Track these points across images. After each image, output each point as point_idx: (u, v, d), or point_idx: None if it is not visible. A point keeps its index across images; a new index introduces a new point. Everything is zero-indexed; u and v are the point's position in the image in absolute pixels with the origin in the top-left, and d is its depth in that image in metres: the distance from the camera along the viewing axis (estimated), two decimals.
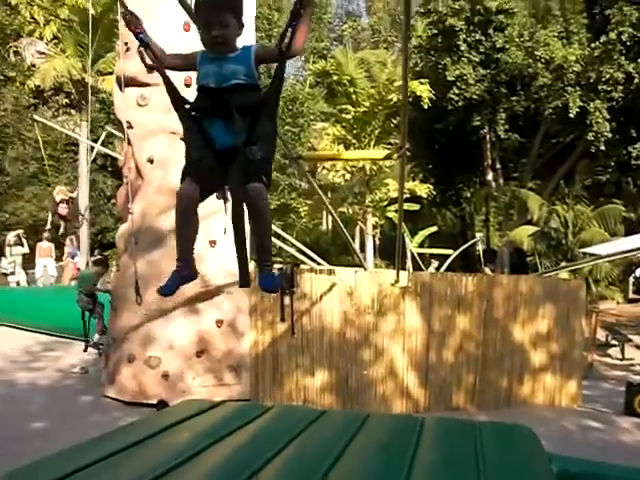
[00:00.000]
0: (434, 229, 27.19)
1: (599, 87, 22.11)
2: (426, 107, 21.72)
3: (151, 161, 9.11)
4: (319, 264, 12.00)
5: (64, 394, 9.53)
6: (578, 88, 22.42)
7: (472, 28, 23.54)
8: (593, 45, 22.22)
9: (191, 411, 2.96)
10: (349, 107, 22.95)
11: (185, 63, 2.93)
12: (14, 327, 13.89)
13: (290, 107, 24.36)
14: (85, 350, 11.54)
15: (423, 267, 20.97)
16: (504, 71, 23.27)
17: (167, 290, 2.91)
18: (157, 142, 9.08)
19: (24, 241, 19.54)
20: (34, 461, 2.24)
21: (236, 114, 2.62)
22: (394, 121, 23.13)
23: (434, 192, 25.77)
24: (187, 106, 2.78)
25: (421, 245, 25.87)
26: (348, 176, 23.99)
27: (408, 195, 23.14)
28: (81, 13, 20.57)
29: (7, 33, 26.18)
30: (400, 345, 9.51)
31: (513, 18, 23.14)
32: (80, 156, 23.18)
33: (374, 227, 26.09)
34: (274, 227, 8.61)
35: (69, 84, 24.20)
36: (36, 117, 21.43)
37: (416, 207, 25.14)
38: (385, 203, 25.24)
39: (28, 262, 19.80)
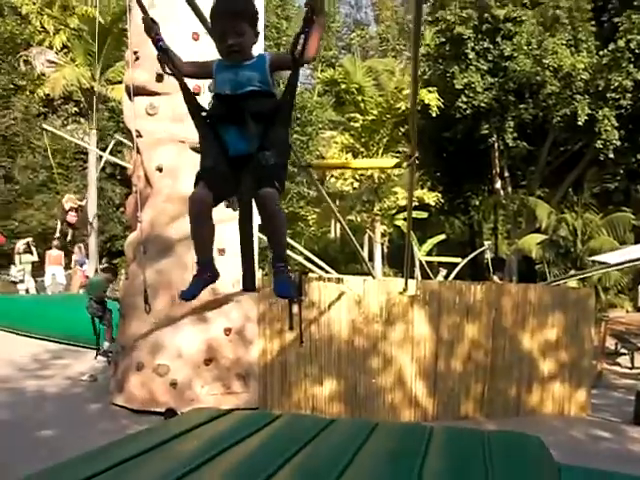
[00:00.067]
0: (442, 237, 27.15)
1: (608, 95, 22.05)
2: (434, 115, 21.73)
3: (160, 170, 9.13)
4: (327, 272, 12.00)
5: (73, 402, 9.54)
6: (587, 96, 22.37)
7: (480, 36, 23.52)
8: (601, 53, 22.17)
9: (200, 419, 2.97)
10: (357, 115, 22.98)
11: (202, 71, 2.95)
12: (23, 335, 13.93)
13: (299, 115, 24.39)
14: (96, 357, 11.55)
15: (431, 275, 20.94)
16: (512, 79, 23.23)
17: (189, 294, 2.91)
18: (166, 151, 9.11)
19: (33, 249, 19.61)
20: (42, 469, 2.25)
21: (250, 121, 2.64)
22: (402, 129, 23.13)
23: (442, 200, 25.75)
24: (204, 113, 2.80)
25: (429, 253, 25.82)
26: (357, 184, 24.00)
27: (416, 203, 23.13)
28: (91, 22, 20.68)
29: (17, 42, 26.40)
30: (408, 354, 9.49)
31: (521, 26, 23.10)
32: (89, 164, 23.28)
33: (382, 235, 26.08)
34: None
35: (78, 93, 24.34)
36: (45, 126, 21.57)
37: (424, 215, 25.12)
38: (394, 211, 25.24)
39: (37, 270, 19.87)
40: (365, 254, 24.31)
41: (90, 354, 11.95)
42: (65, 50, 24.35)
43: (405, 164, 5.50)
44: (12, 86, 26.75)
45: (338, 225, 30.24)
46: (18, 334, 14.03)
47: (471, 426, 7.17)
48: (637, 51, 21.48)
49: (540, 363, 9.78)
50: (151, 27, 2.74)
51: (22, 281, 19.07)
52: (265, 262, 17.40)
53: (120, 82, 19.01)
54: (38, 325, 13.87)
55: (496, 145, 25.70)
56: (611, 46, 21.77)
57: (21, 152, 26.95)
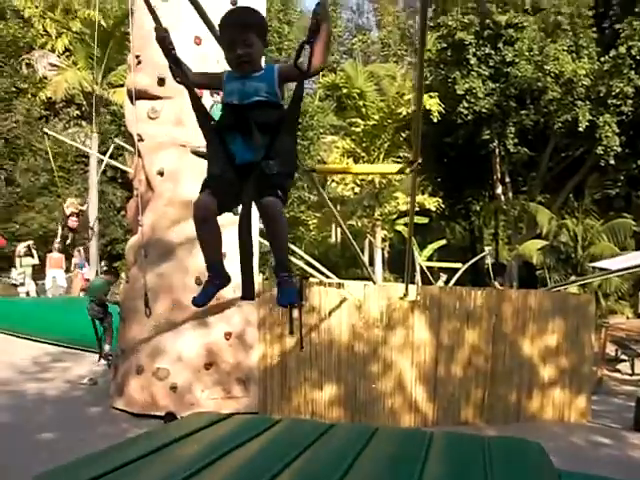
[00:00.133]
0: (443, 242, 27.18)
1: (609, 101, 22.08)
2: (435, 121, 21.73)
3: (161, 174, 9.14)
4: (328, 277, 12.00)
5: (73, 405, 9.53)
6: (588, 102, 22.40)
7: (482, 42, 23.56)
8: (603, 59, 22.20)
9: (200, 424, 2.97)
10: (359, 120, 22.99)
11: (212, 82, 3.01)
12: (23, 337, 13.92)
13: (300, 120, 24.40)
14: (99, 361, 11.52)
15: (432, 280, 20.93)
16: (513, 85, 23.26)
17: (200, 300, 2.90)
18: (167, 155, 9.12)
19: (34, 252, 19.59)
20: (42, 472, 2.25)
21: (256, 130, 2.66)
22: (403, 135, 23.15)
23: (443, 205, 25.74)
24: (212, 123, 2.83)
25: (430, 258, 25.83)
26: (357, 189, 24.01)
27: (417, 208, 23.10)
28: (93, 26, 20.70)
29: (20, 46, 26.46)
30: (409, 359, 9.49)
31: (523, 32, 23.13)
32: (90, 168, 23.32)
33: (383, 240, 26.09)
34: None
35: (80, 96, 24.40)
36: (47, 130, 21.60)
37: (425, 220, 25.14)
38: (394, 216, 25.23)
39: (38, 273, 19.86)
40: (366, 259, 24.32)
41: (90, 357, 11.95)
42: (67, 53, 24.43)
43: (408, 170, 5.49)
44: (14, 89, 26.78)
45: (339, 230, 30.22)
46: (18, 337, 14.02)
47: (471, 432, 7.16)
48: (638, 57, 21.52)
49: (540, 369, 9.77)
50: (164, 37, 2.75)
51: (23, 284, 19.05)
52: (266, 266, 17.41)
53: (122, 85, 19.04)
54: (38, 328, 13.86)
55: (497, 151, 25.71)
56: (612, 52, 21.81)
57: (22, 155, 26.96)
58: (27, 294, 18.91)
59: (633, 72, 21.70)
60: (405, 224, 25.08)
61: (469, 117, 23.50)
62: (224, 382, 9.12)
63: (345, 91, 23.08)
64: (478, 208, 31.42)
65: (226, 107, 2.80)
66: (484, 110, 23.27)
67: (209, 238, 2.84)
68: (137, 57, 8.98)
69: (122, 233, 25.84)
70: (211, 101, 8.20)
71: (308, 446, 2.62)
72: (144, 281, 8.19)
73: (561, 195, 26.29)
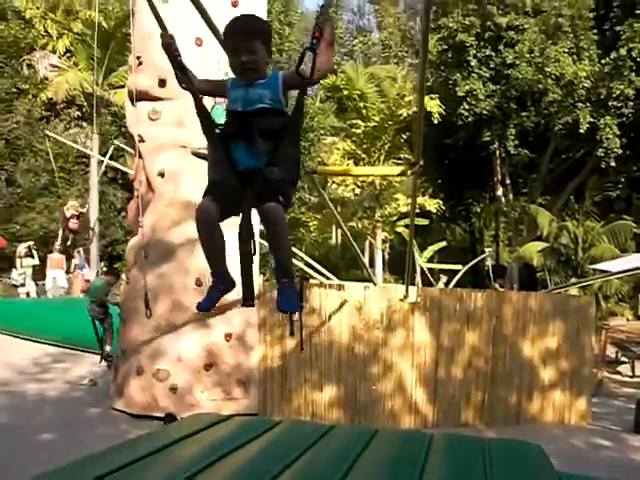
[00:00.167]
0: (443, 244, 27.18)
1: (609, 103, 22.09)
2: (436, 122, 21.72)
3: (162, 175, 9.14)
4: (328, 278, 11.99)
5: (72, 406, 9.53)
6: (588, 104, 22.41)
7: (482, 44, 23.57)
8: (603, 61, 22.21)
9: (200, 425, 2.97)
10: (359, 122, 22.99)
11: (216, 89, 3.02)
12: (23, 338, 13.93)
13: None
14: (100, 362, 11.51)
15: (433, 282, 20.92)
16: (514, 87, 23.26)
17: (205, 306, 2.90)
18: (168, 156, 9.12)
19: (34, 253, 19.61)
20: (41, 473, 2.25)
21: (259, 137, 2.67)
22: (404, 136, 23.15)
23: (443, 207, 25.74)
24: (217, 130, 2.83)
25: (430, 260, 25.83)
26: (358, 191, 24.01)
27: (418, 210, 23.05)
28: (94, 27, 20.69)
29: (21, 46, 26.47)
30: (409, 360, 9.48)
31: (523, 34, 23.13)
32: (91, 169, 23.33)
33: (383, 242, 26.09)
34: None
35: (81, 97, 24.42)
36: (48, 132, 21.63)
37: (425, 222, 25.12)
38: (395, 218, 25.23)
39: (38, 274, 19.88)
40: (366, 260, 24.32)
41: (90, 358, 11.95)
42: (68, 54, 24.44)
43: (410, 172, 5.49)
44: (15, 90, 26.79)
45: (339, 231, 30.23)
46: (18, 337, 14.03)
47: (471, 434, 7.16)
48: (639, 59, 21.52)
49: (540, 371, 9.76)
50: (170, 43, 2.76)
51: (23, 285, 19.07)
52: (266, 267, 17.41)
53: (123, 86, 19.06)
54: (38, 329, 13.87)
55: (498, 152, 25.72)
56: (613, 54, 21.82)
57: (23, 156, 26.97)
58: (27, 295, 18.93)
59: (634, 74, 21.71)
60: (405, 225, 25.11)
61: (470, 119, 23.50)
62: (224, 383, 9.12)
63: (346, 92, 23.07)
64: (478, 210, 31.43)
65: (230, 114, 2.81)
66: (485, 112, 23.27)
67: (212, 243, 2.83)
68: (138, 58, 8.99)
69: (122, 234, 25.85)
70: (212, 102, 8.20)
71: (308, 448, 2.62)
72: (144, 282, 8.20)
73: (562, 197, 26.29)
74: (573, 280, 18.77)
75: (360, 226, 25.72)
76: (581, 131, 22.06)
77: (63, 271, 19.57)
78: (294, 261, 12.15)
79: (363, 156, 23.18)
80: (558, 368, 9.79)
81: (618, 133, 22.14)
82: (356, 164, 22.70)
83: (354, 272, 25.16)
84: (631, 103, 22.02)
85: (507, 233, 31.31)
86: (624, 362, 14.77)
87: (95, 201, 22.51)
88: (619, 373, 14.35)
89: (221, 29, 2.92)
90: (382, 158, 22.84)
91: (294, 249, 12.85)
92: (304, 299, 8.72)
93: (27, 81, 26.69)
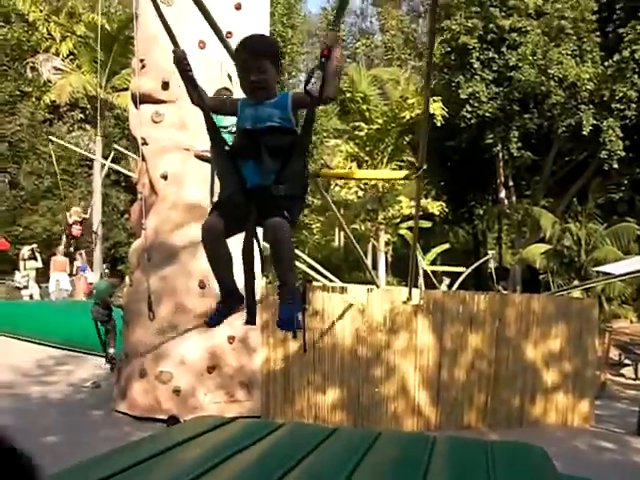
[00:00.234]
0: (446, 246, 27.14)
1: (612, 105, 22.05)
2: (439, 124, 21.69)
3: (165, 177, 9.16)
4: (331, 281, 11.99)
5: (75, 408, 9.54)
6: (591, 106, 22.36)
7: (485, 46, 23.53)
8: (606, 63, 22.17)
9: (203, 427, 2.97)
10: (362, 124, 22.98)
11: (226, 107, 3.04)
12: (27, 340, 13.94)
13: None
14: (106, 363, 11.50)
15: (436, 284, 20.90)
16: (517, 89, 23.22)
17: (214, 321, 2.94)
18: (171, 158, 9.14)
19: (38, 255, 19.65)
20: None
21: (266, 155, 2.68)
22: (407, 139, 23.14)
23: (446, 209, 25.72)
24: (227, 148, 2.85)
25: (433, 262, 25.81)
26: (361, 193, 24.01)
27: (421, 212, 23.05)
28: (97, 30, 20.76)
29: (24, 49, 26.54)
30: (412, 363, 9.48)
31: (526, 36, 23.09)
32: (94, 171, 23.36)
33: (386, 244, 26.05)
34: None
35: (84, 100, 24.46)
36: (51, 138, 21.68)
37: (428, 224, 25.11)
38: (398, 220, 25.21)
39: (42, 276, 19.91)
40: (369, 263, 24.30)
41: (93, 360, 11.95)
42: (71, 57, 24.48)
43: (414, 176, 5.50)
44: (18, 92, 26.86)
45: (342, 233, 30.23)
46: (22, 340, 14.05)
47: (474, 436, 7.16)
48: None
49: (544, 373, 9.76)
50: (182, 58, 2.77)
51: (26, 287, 19.12)
52: (269, 270, 17.39)
53: (126, 89, 19.10)
54: (42, 331, 13.88)
55: (500, 155, 25.66)
56: (616, 57, 21.77)
57: (27, 158, 27.02)
58: (31, 297, 18.97)
59: (637, 76, 21.66)
60: (408, 228, 25.07)
61: (472, 121, 23.46)
62: (227, 386, 9.12)
63: (349, 95, 23.07)
64: (481, 212, 31.36)
65: (239, 132, 2.82)
66: (487, 114, 23.23)
67: (219, 259, 2.84)
68: (141, 61, 9.01)
69: (126, 236, 25.86)
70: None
71: (311, 450, 2.62)
72: (147, 284, 8.20)
73: (564, 199, 26.24)
74: (576, 282, 18.75)
75: (363, 228, 25.71)
76: (584, 133, 22.00)
77: (66, 274, 19.61)
78: (297, 264, 12.17)
79: (366, 158, 23.17)
80: (561, 370, 9.79)
81: (621, 135, 22.09)
82: (359, 166, 22.69)
83: (357, 274, 25.16)
84: (634, 105, 21.97)
85: (510, 235, 31.25)
86: (627, 364, 14.76)
87: (98, 203, 22.54)
88: (622, 375, 14.33)
89: (224, 32, 2.93)
90: (385, 160, 22.84)
91: (297, 252, 12.84)
92: (307, 301, 8.72)
93: (30, 84, 26.74)
